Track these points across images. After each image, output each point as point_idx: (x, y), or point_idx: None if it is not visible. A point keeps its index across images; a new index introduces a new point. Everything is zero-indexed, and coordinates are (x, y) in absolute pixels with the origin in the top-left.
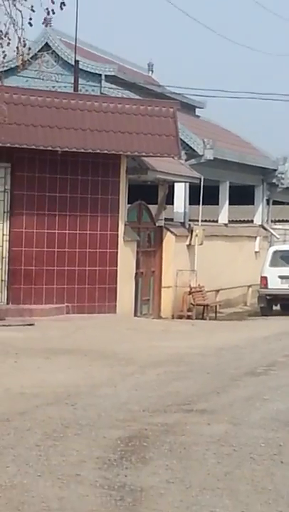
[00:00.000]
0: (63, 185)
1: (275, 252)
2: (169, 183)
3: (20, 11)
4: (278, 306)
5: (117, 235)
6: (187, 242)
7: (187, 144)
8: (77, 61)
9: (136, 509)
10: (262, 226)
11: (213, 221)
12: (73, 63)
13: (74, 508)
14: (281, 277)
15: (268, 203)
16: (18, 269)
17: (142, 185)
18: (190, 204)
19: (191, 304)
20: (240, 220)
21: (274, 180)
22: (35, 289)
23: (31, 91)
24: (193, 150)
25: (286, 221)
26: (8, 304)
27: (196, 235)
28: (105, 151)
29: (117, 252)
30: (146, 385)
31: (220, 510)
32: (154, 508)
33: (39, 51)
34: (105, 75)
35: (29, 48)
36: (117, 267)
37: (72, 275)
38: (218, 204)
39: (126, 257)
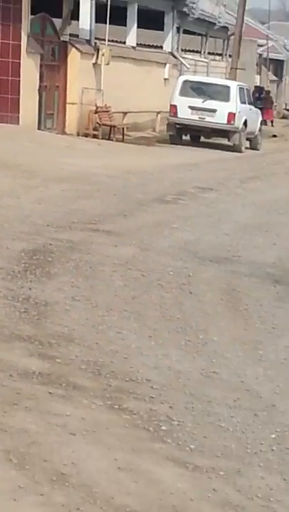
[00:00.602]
0: None
1: (185, 82)
2: None
3: None
4: (188, 136)
5: (20, 45)
6: (93, 61)
7: None
8: None
9: (40, 323)
10: (172, 54)
11: (121, 42)
12: None
13: None
14: (191, 108)
15: (178, 31)
16: None
17: None
18: (96, 22)
19: (97, 123)
20: (148, 45)
21: (185, 9)
22: None
23: None
24: None
25: (196, 52)
26: None
27: (103, 54)
28: None
29: (19, 63)
30: (50, 199)
31: (127, 333)
32: (60, 324)
33: None
34: None
35: None
36: (19, 77)
37: None
38: (126, 26)
39: (29, 69)
